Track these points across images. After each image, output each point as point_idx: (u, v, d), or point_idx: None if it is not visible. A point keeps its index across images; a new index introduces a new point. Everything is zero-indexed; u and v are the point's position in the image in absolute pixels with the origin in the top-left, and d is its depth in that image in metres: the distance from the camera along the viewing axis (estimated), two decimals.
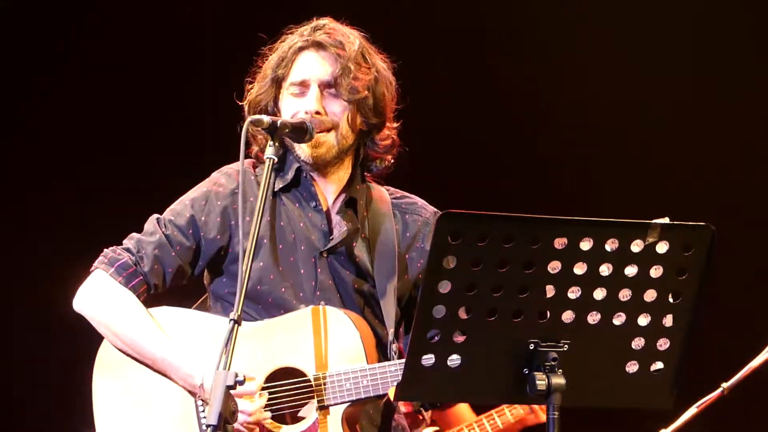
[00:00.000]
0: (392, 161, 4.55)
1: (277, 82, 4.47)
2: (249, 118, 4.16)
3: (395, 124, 4.54)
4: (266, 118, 4.18)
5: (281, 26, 4.55)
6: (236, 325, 3.73)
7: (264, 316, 4.38)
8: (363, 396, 4.23)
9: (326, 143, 4.40)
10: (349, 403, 4.23)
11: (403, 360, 4.07)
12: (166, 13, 6.90)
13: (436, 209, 4.62)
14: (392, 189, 4.64)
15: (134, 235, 4.48)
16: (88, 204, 6.84)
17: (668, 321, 3.52)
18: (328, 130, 4.40)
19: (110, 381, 4.37)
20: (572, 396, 3.51)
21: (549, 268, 3.46)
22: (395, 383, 4.20)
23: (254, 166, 4.56)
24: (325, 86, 4.42)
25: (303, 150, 4.42)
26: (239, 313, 3.75)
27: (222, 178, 4.52)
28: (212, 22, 6.93)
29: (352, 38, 4.47)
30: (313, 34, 4.46)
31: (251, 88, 4.52)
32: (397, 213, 4.56)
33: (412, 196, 4.64)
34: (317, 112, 4.39)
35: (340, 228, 4.46)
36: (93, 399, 4.39)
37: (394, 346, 4.35)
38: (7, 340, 6.85)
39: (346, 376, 4.22)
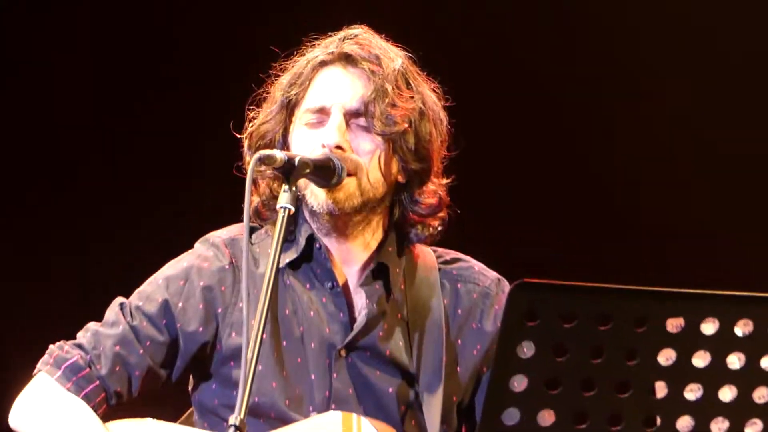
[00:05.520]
0: (439, 228, 3.73)
1: (289, 108, 3.66)
2: (257, 155, 3.34)
3: (445, 180, 3.75)
4: (280, 154, 3.35)
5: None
6: None
7: None
8: None
9: (346, 187, 3.57)
10: None
11: None
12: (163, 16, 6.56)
13: (500, 276, 3.80)
14: (440, 250, 3.82)
15: (90, 325, 3.68)
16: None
17: None
18: (352, 174, 3.58)
19: None
20: None
21: (659, 359, 2.98)
22: None
23: (251, 231, 3.70)
24: (351, 115, 3.60)
25: (316, 196, 3.59)
26: (243, 417, 2.99)
27: (209, 251, 3.71)
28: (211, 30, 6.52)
29: (393, 54, 3.67)
30: (341, 44, 3.67)
31: (254, 117, 3.72)
32: (446, 282, 3.75)
33: (468, 258, 3.83)
34: (338, 147, 3.55)
35: (364, 312, 3.67)
36: None
37: None
38: None
39: None
